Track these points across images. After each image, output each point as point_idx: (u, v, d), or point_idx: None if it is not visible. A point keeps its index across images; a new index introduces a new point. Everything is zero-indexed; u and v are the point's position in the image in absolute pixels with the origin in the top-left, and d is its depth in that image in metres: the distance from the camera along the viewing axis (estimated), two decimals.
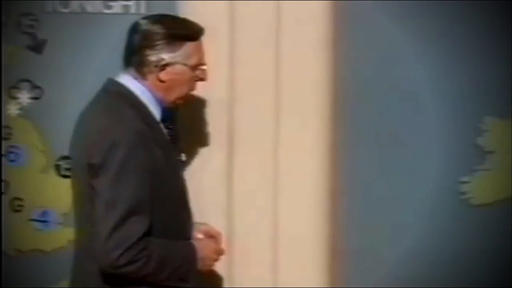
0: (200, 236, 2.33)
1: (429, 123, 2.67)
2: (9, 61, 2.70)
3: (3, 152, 2.72)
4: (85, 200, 2.15)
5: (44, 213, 2.72)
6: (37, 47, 2.70)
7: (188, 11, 2.50)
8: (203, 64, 2.24)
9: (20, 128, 2.72)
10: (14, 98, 2.71)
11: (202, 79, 2.26)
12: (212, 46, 2.36)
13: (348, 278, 2.67)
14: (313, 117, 2.66)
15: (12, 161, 2.72)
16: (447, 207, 2.65)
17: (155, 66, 2.17)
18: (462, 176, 2.66)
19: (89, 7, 2.69)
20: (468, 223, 2.65)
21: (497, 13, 2.61)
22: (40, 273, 2.72)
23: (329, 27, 2.63)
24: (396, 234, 2.68)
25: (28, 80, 2.70)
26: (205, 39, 2.24)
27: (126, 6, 2.68)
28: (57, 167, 2.71)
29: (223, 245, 2.35)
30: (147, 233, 2.08)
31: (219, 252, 2.31)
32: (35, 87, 2.71)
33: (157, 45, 2.16)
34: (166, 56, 2.16)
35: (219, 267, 2.48)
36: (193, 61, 2.20)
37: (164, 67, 2.17)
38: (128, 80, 2.19)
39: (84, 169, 2.12)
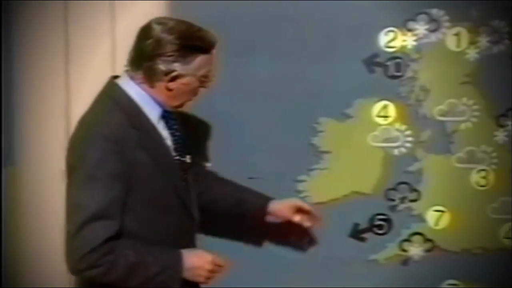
0: (297, 217, 2.45)
1: (266, 123, 2.70)
2: None
3: None
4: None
5: None
6: None
7: None
8: (211, 75, 2.21)
9: None
10: None
11: (206, 87, 2.23)
12: None
13: None
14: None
15: None
16: None
17: (165, 75, 2.12)
18: (299, 175, 2.72)
19: None
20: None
21: None
22: None
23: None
24: None
25: None
26: None
27: None
28: None
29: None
30: (114, 238, 2.05)
31: (216, 264, 2.22)
32: None
33: (171, 56, 2.10)
34: (178, 68, 2.12)
35: None
36: (202, 72, 2.17)
37: (174, 78, 2.13)
38: (127, 83, 2.16)
39: (66, 169, 2.14)
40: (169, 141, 2.22)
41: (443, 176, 2.68)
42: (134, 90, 2.16)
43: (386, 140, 2.69)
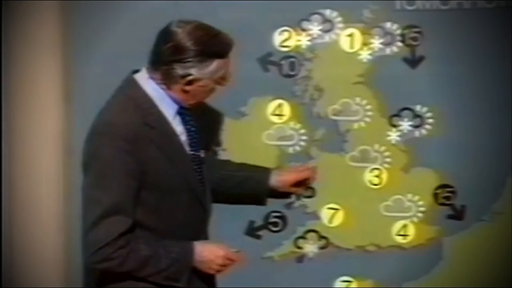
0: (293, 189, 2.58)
1: None
2: None
3: None
4: None
5: None
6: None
7: None
8: (228, 76, 2.27)
9: None
10: None
11: (222, 86, 2.28)
12: None
13: None
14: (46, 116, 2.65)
15: None
16: None
17: (182, 78, 2.18)
18: None
19: None
20: None
21: None
22: None
23: (58, 26, 2.62)
24: None
25: None
26: None
27: None
28: None
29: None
30: (128, 232, 2.14)
31: (228, 258, 2.30)
32: None
33: (188, 61, 2.16)
34: (195, 72, 2.18)
35: None
36: (219, 75, 2.23)
37: (191, 81, 2.18)
38: (145, 80, 2.22)
39: (82, 166, 2.21)
40: (183, 137, 2.28)
41: (337, 174, 2.72)
42: (152, 87, 2.22)
43: (281, 139, 2.72)
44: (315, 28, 2.67)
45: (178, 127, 2.27)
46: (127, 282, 2.21)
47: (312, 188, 2.71)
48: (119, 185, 2.13)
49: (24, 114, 2.72)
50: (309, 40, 2.67)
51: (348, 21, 2.66)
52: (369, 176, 2.72)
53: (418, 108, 2.69)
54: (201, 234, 2.37)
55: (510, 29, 2.64)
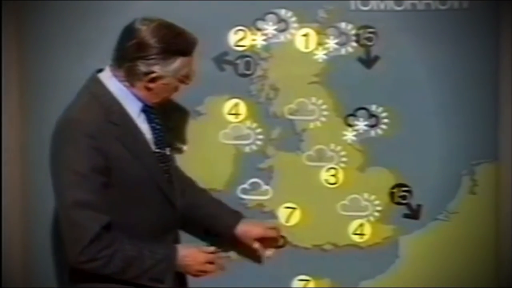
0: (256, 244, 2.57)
1: None
2: None
3: None
4: None
5: None
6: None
7: None
8: (192, 74, 2.31)
9: None
10: None
11: (186, 84, 2.32)
12: None
13: None
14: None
15: None
16: None
17: (145, 75, 2.20)
18: None
19: None
20: None
21: None
22: None
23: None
24: None
25: None
26: None
27: None
28: None
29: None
30: (107, 229, 2.15)
31: (211, 263, 2.37)
32: None
33: (151, 58, 2.19)
34: (158, 70, 2.20)
35: None
36: (182, 73, 2.27)
37: (154, 79, 2.20)
38: (109, 78, 2.24)
39: (49, 164, 2.23)
40: (149, 135, 2.30)
41: (294, 173, 2.74)
42: (115, 85, 2.24)
43: (238, 138, 2.74)
44: (270, 28, 2.69)
45: (143, 125, 2.29)
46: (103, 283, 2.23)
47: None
48: (86, 182, 2.14)
49: None
50: (264, 40, 2.69)
51: (303, 21, 2.68)
52: (325, 176, 2.74)
53: (373, 108, 2.71)
54: (171, 232, 2.38)
55: (463, 30, 2.67)
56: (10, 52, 2.67)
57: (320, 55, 2.69)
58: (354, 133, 2.73)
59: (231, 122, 2.73)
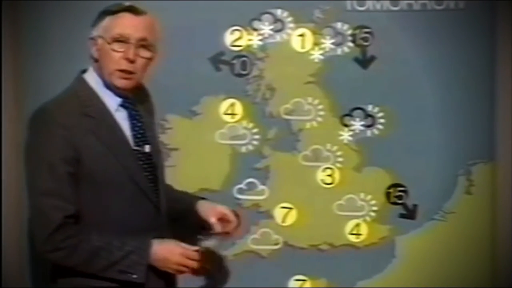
0: (213, 219, 2.36)
1: None
2: None
3: None
4: None
5: None
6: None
7: None
8: (122, 40, 2.19)
9: None
10: None
11: (127, 58, 2.19)
12: None
13: None
14: None
15: None
16: None
17: (90, 42, 2.23)
18: None
19: None
20: None
21: None
22: None
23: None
24: None
25: None
26: None
27: None
28: None
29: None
30: (73, 219, 2.13)
31: (188, 257, 2.23)
32: None
33: (93, 26, 2.23)
34: (92, 32, 2.23)
35: None
36: (110, 34, 2.19)
37: (92, 45, 2.22)
38: (90, 73, 2.26)
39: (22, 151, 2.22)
40: (128, 132, 2.27)
41: (290, 173, 2.74)
42: (94, 79, 2.25)
43: (234, 138, 2.74)
44: (266, 28, 2.70)
45: (123, 121, 2.27)
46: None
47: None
48: (54, 170, 2.13)
49: None
50: (260, 40, 2.70)
51: (299, 21, 2.69)
52: (321, 176, 2.74)
53: (369, 108, 2.72)
54: (153, 231, 2.30)
55: (459, 30, 2.68)
56: (9, 52, 2.67)
57: (316, 55, 2.70)
58: (350, 133, 2.73)
59: (227, 122, 2.73)
